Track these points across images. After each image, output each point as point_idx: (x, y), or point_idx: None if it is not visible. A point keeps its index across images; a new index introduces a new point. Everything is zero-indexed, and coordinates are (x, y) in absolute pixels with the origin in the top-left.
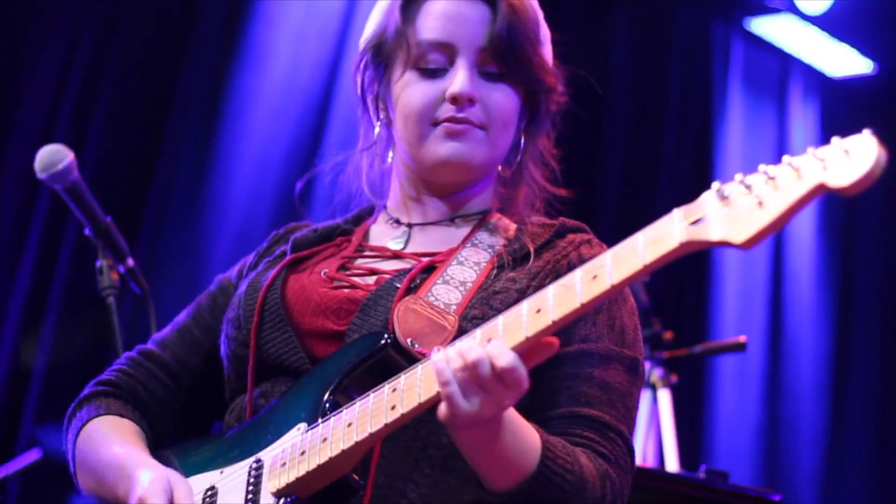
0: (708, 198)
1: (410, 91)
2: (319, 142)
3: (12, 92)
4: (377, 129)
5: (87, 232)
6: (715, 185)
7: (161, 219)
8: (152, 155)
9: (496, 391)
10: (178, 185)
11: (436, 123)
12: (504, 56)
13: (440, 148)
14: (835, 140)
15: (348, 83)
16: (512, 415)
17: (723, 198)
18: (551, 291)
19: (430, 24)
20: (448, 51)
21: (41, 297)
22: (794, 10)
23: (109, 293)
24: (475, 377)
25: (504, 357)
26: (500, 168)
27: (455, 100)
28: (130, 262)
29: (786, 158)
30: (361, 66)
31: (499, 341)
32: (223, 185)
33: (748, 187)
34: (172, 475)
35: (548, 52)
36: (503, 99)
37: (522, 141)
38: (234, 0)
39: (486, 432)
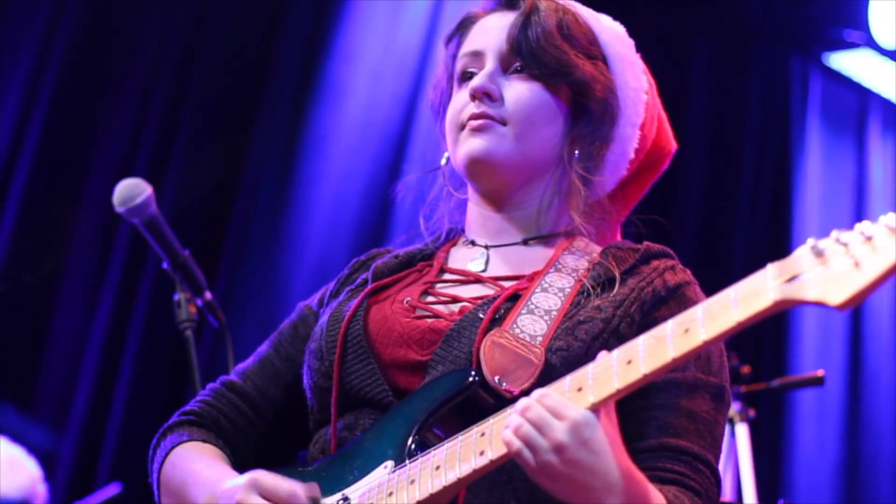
0: (802, 255)
1: (451, 101)
2: (397, 179)
3: (93, 126)
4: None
5: (164, 265)
6: (810, 241)
7: (239, 253)
8: (231, 189)
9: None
10: (257, 219)
11: (463, 126)
12: (520, 48)
13: (463, 146)
14: None
15: (426, 119)
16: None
17: (818, 255)
18: (642, 342)
19: (468, 40)
20: (479, 58)
21: (121, 330)
22: (873, 45)
23: (187, 326)
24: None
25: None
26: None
27: (473, 96)
28: (208, 295)
29: (882, 219)
30: (443, 80)
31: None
32: (301, 221)
33: (844, 245)
34: (258, 473)
35: (591, 46)
36: (524, 92)
37: (568, 143)
38: (312, 36)
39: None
